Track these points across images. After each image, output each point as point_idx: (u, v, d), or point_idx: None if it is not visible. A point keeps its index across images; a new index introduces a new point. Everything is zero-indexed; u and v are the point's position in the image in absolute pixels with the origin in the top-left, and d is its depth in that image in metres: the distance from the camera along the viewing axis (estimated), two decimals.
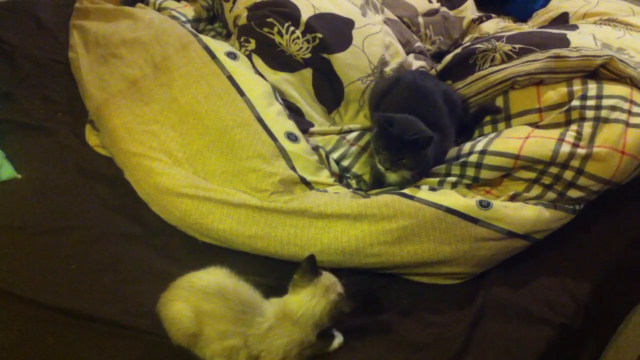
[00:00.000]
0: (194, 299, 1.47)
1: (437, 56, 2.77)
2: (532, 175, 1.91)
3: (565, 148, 1.86)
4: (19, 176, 1.97)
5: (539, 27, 2.78)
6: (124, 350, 1.53)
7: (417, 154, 1.91)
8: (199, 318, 1.45)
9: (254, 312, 1.48)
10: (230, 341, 1.45)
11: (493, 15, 3.10)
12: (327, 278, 1.54)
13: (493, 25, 2.99)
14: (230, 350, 1.46)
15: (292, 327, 1.48)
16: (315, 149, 2.10)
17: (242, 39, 2.35)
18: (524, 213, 1.84)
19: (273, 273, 1.78)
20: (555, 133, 1.93)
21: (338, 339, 1.60)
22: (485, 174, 1.93)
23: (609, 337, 1.95)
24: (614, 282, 1.89)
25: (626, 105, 1.94)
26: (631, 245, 1.98)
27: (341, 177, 2.13)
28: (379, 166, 1.93)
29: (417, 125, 1.93)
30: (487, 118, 2.21)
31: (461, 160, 1.98)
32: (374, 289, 1.79)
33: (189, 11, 2.67)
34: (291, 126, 2.09)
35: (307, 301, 1.48)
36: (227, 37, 2.63)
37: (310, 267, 1.52)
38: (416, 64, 2.53)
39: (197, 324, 1.45)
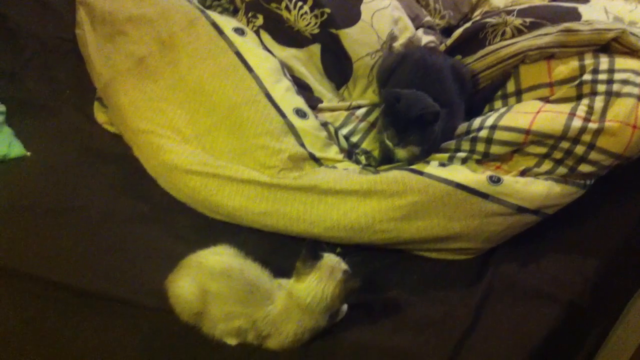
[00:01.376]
0: (200, 278, 1.48)
1: (447, 31, 2.73)
2: (542, 150, 1.89)
3: (577, 123, 1.84)
4: (28, 154, 1.98)
5: (550, 1, 2.73)
6: (132, 328, 1.54)
7: (425, 129, 1.89)
8: (205, 297, 1.46)
9: (262, 293, 1.49)
10: (237, 322, 1.47)
11: None
12: (330, 259, 1.53)
13: None
14: (238, 330, 1.47)
15: (301, 314, 1.48)
16: (324, 125, 2.09)
17: (249, 15, 2.33)
18: (535, 188, 1.82)
19: (282, 250, 1.78)
20: (567, 107, 1.90)
21: (342, 310, 1.61)
22: (495, 149, 1.91)
23: (617, 315, 1.95)
24: (622, 260, 1.88)
25: (638, 80, 1.90)
26: None
27: (350, 153, 2.12)
28: (387, 142, 1.92)
29: (424, 100, 1.92)
30: (498, 93, 2.19)
31: (471, 135, 1.97)
32: (383, 265, 1.80)
33: None
34: (300, 102, 2.08)
35: (315, 286, 1.47)
36: (234, 12, 2.60)
37: (310, 253, 1.52)
38: (425, 39, 2.51)
39: (203, 303, 1.46)
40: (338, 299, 1.48)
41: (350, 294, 1.51)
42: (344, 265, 1.53)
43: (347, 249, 1.80)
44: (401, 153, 1.98)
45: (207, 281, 1.47)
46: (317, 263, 1.51)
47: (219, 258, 1.55)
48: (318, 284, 1.47)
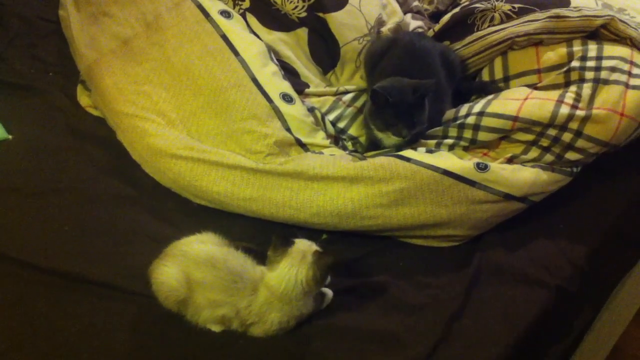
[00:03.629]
0: (184, 266, 1.47)
1: (435, 16, 2.71)
2: (530, 137, 1.89)
3: (564, 110, 1.84)
4: (10, 137, 1.95)
5: None
6: (117, 312, 1.53)
7: (423, 107, 1.90)
8: (189, 285, 1.45)
9: (245, 283, 1.47)
10: (220, 311, 1.46)
11: None
12: (302, 244, 1.51)
13: None
14: (222, 318, 1.46)
15: (281, 303, 1.46)
16: (311, 110, 2.07)
17: None
18: (521, 175, 1.82)
19: (267, 235, 1.76)
20: (554, 94, 1.90)
21: (328, 296, 1.60)
22: (482, 135, 1.91)
23: (603, 301, 1.96)
24: (610, 246, 1.88)
25: (626, 67, 1.91)
26: (628, 210, 1.97)
27: (337, 138, 2.11)
28: (395, 138, 1.92)
29: (406, 82, 1.92)
30: (486, 78, 2.19)
31: (459, 122, 1.96)
32: (370, 251, 1.79)
33: None
34: (286, 87, 2.06)
35: (286, 273, 1.45)
36: None
37: (280, 240, 1.49)
38: (413, 24, 2.49)
39: (187, 291, 1.45)
40: (313, 281, 1.45)
41: (326, 271, 1.48)
42: (314, 247, 1.50)
43: (334, 236, 1.80)
44: (390, 139, 1.97)
45: (191, 270, 1.46)
46: (288, 249, 1.48)
47: (203, 247, 1.53)
48: (290, 270, 1.45)
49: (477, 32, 2.23)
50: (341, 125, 2.19)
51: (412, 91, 1.85)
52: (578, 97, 1.87)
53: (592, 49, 1.98)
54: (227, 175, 1.83)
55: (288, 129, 1.94)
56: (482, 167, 1.80)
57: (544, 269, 1.73)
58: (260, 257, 1.56)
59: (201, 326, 1.48)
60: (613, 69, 1.90)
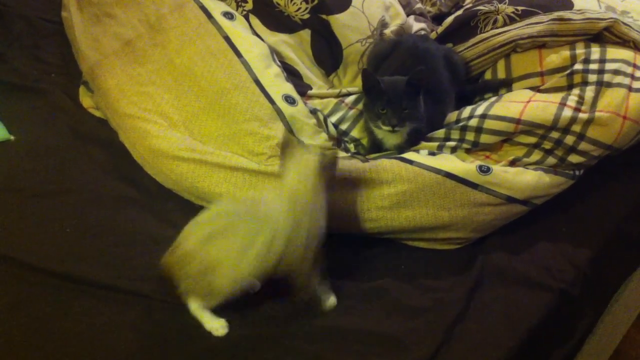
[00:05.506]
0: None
1: (438, 18, 2.71)
2: (532, 140, 1.89)
3: (567, 112, 1.84)
4: (12, 138, 1.95)
5: None
6: (119, 313, 1.52)
7: (415, 99, 1.89)
8: (210, 242, 1.46)
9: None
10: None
11: None
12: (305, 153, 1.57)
13: None
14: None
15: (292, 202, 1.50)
16: (314, 112, 2.07)
17: None
18: (524, 178, 1.82)
19: None
20: (557, 97, 1.90)
21: (331, 300, 1.59)
22: (485, 138, 1.91)
23: (605, 304, 1.96)
24: (612, 249, 1.88)
25: (629, 70, 1.91)
26: (631, 213, 1.97)
27: (339, 140, 2.10)
28: (385, 128, 1.90)
29: (400, 77, 1.92)
30: (488, 77, 2.19)
31: (461, 124, 1.96)
32: (372, 254, 1.78)
33: None
34: (289, 89, 2.06)
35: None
36: None
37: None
38: (416, 26, 2.50)
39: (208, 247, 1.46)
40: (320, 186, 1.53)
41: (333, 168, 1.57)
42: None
43: (335, 238, 1.79)
44: (391, 141, 1.97)
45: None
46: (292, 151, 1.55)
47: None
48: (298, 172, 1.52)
49: (481, 34, 2.23)
50: (343, 127, 2.18)
51: (404, 82, 1.85)
52: (581, 99, 1.87)
53: (595, 51, 1.97)
54: (229, 177, 1.82)
55: (291, 131, 1.93)
56: (484, 170, 1.79)
57: (547, 271, 1.73)
58: None
59: (204, 329, 1.48)
60: (616, 72, 1.90)
